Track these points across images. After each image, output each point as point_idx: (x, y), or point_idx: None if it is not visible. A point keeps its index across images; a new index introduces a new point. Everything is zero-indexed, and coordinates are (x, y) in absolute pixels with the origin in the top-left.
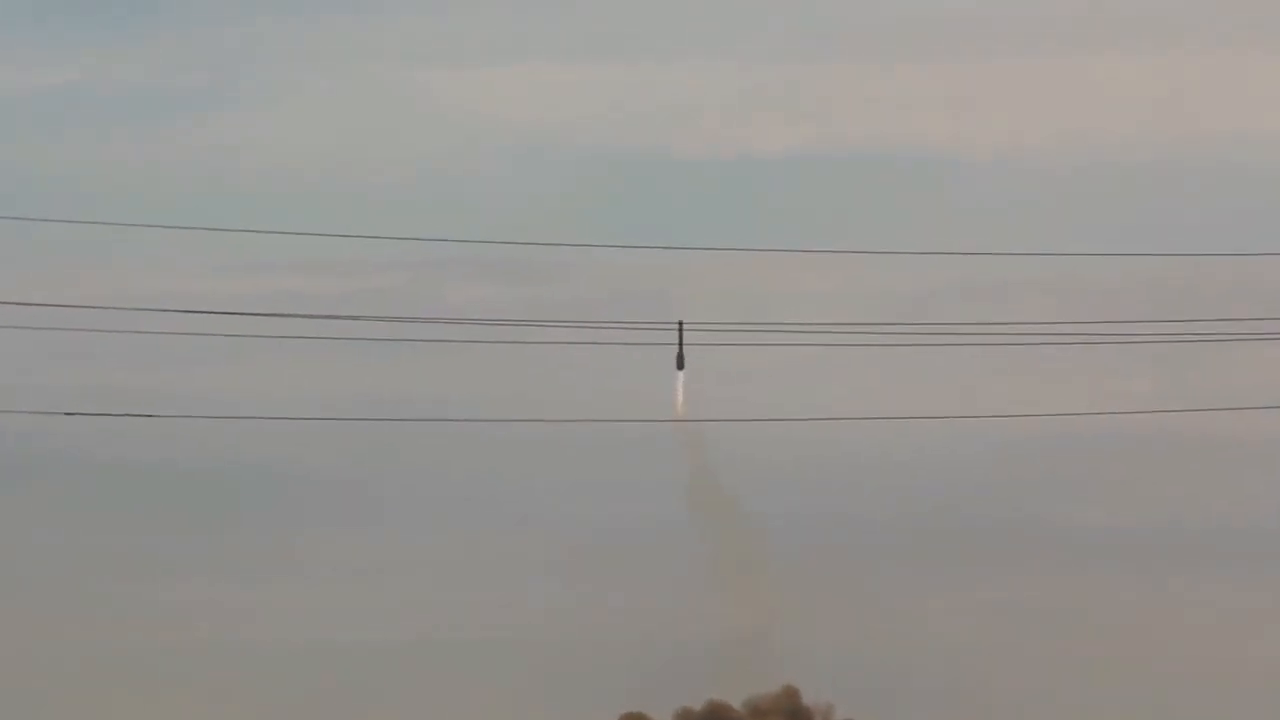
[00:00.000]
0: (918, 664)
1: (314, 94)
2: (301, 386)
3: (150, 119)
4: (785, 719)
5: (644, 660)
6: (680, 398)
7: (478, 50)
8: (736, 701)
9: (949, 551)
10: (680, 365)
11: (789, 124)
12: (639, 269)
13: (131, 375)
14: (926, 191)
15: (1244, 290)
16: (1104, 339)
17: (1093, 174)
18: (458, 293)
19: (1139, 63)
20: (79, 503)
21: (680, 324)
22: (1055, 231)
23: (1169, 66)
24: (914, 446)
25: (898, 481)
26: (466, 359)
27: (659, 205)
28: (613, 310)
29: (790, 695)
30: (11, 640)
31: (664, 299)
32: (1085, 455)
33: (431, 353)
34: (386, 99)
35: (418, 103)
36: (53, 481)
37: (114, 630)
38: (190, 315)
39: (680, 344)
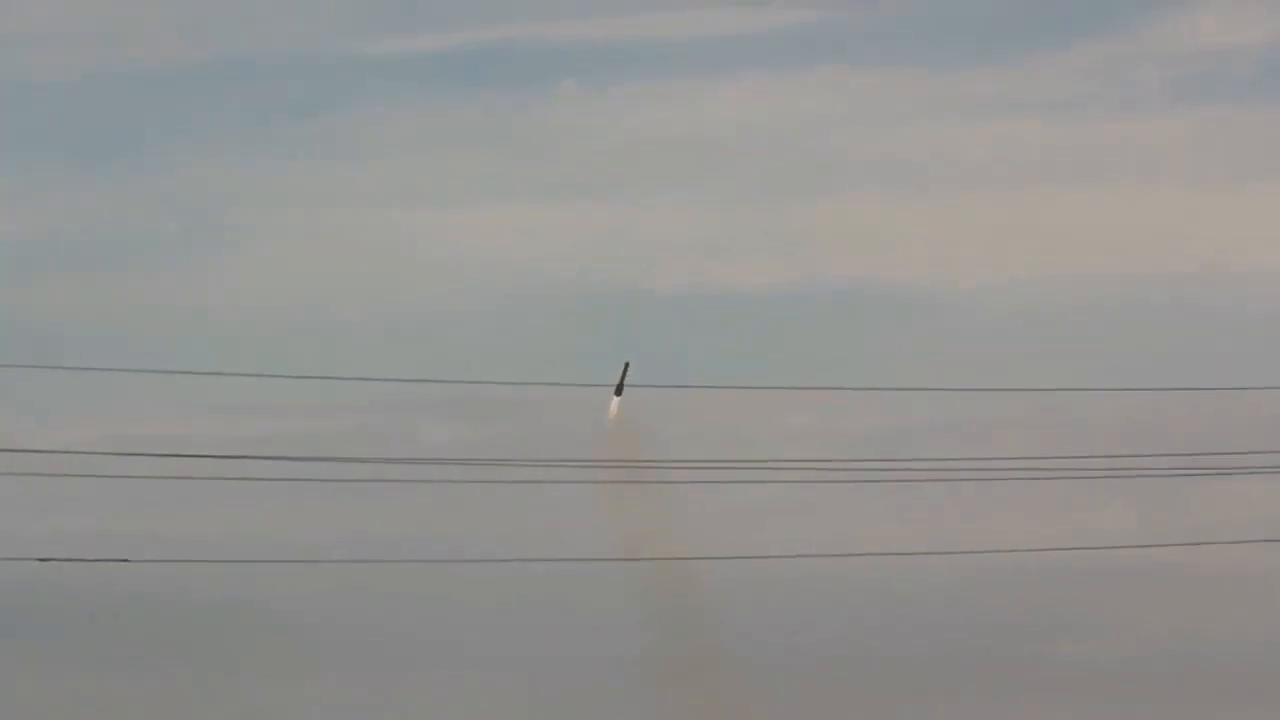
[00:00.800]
0: None
1: (289, 236)
2: (277, 528)
3: (127, 262)
4: None
5: None
6: (613, 411)
7: (454, 190)
8: None
9: (933, 689)
10: (618, 392)
11: (769, 260)
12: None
13: (107, 520)
14: (906, 328)
15: (1221, 425)
16: (1084, 474)
17: (1071, 310)
18: (433, 432)
19: (1115, 199)
20: (54, 650)
21: (626, 364)
22: (1034, 367)
23: (1145, 203)
24: (895, 583)
25: (878, 618)
26: (442, 498)
27: (638, 342)
28: (591, 447)
29: None
30: None
31: (644, 436)
32: (1069, 590)
33: (407, 493)
34: (361, 240)
35: (393, 243)
36: (27, 628)
37: None
38: (166, 459)
39: (623, 377)
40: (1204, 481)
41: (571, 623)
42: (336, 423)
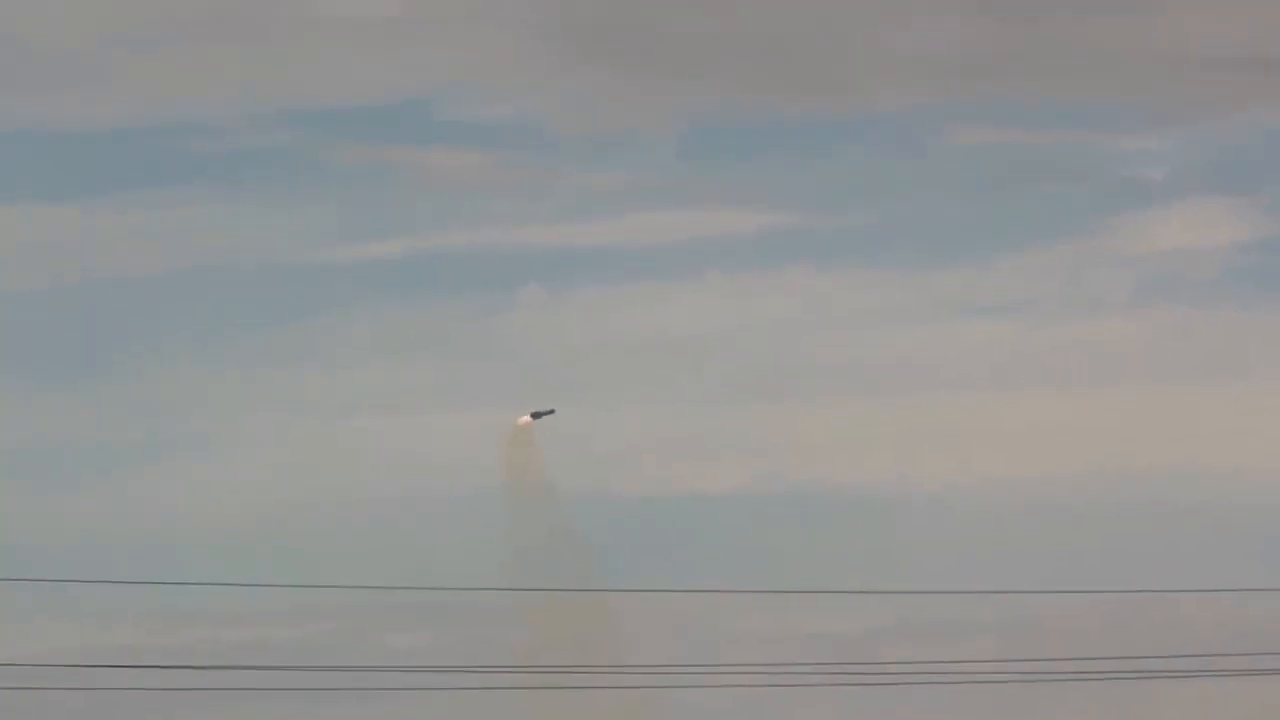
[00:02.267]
0: None
1: (253, 443)
2: None
3: (83, 473)
4: None
5: None
6: (523, 421)
7: (417, 396)
8: None
9: None
10: (535, 417)
11: (734, 462)
12: (580, 611)
13: None
14: (870, 529)
15: (1187, 627)
16: (1043, 677)
17: (1032, 511)
18: (394, 639)
19: (1078, 400)
20: None
21: (552, 410)
22: (995, 569)
23: (1108, 404)
24: None
25: None
26: (405, 706)
27: (601, 546)
28: (553, 654)
29: None
30: None
31: (608, 641)
32: None
33: (373, 700)
34: (325, 446)
35: (357, 449)
36: None
37: None
38: (126, 670)
39: (541, 413)
40: (1169, 684)
41: None
42: (303, 630)
